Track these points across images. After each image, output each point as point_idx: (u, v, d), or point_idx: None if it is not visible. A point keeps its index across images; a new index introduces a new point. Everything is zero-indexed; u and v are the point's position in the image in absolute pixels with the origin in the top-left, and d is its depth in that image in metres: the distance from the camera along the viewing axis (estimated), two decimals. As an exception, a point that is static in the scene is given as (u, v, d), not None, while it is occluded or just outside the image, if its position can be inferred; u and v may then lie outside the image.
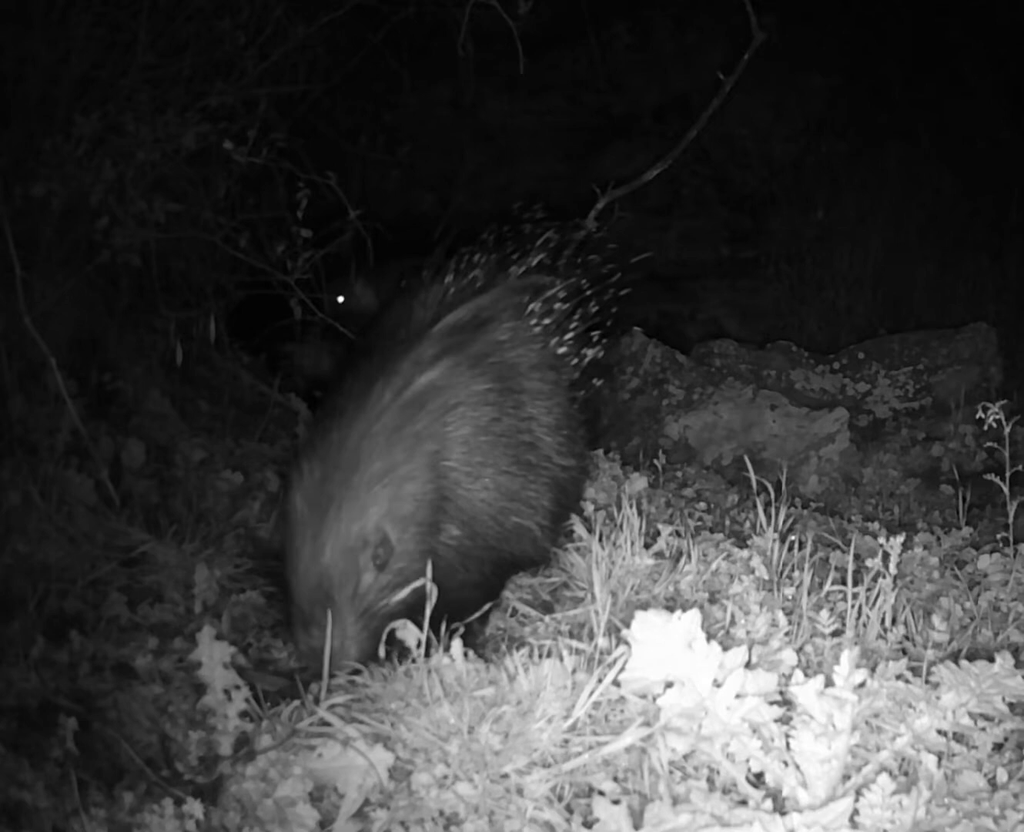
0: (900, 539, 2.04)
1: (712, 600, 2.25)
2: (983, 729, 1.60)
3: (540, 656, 1.77)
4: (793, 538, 2.43)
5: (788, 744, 1.45)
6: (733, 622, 2.08)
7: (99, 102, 2.87)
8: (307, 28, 3.35)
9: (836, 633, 2.04)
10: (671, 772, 1.49)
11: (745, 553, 2.49)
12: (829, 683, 1.48)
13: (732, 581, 2.33)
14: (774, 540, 2.42)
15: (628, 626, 1.53)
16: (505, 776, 1.49)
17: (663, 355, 4.60)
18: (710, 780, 1.48)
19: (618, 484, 3.19)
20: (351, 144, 4.58)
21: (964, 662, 1.65)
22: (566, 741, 1.57)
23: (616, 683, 1.58)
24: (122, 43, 2.96)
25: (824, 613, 2.04)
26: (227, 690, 1.59)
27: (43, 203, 2.72)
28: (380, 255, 3.56)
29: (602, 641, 1.82)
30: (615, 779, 1.51)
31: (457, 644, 1.75)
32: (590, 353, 2.57)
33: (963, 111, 5.62)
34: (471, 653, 1.80)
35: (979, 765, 1.55)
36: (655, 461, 3.49)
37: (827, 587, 2.28)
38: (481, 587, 2.12)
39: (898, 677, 1.70)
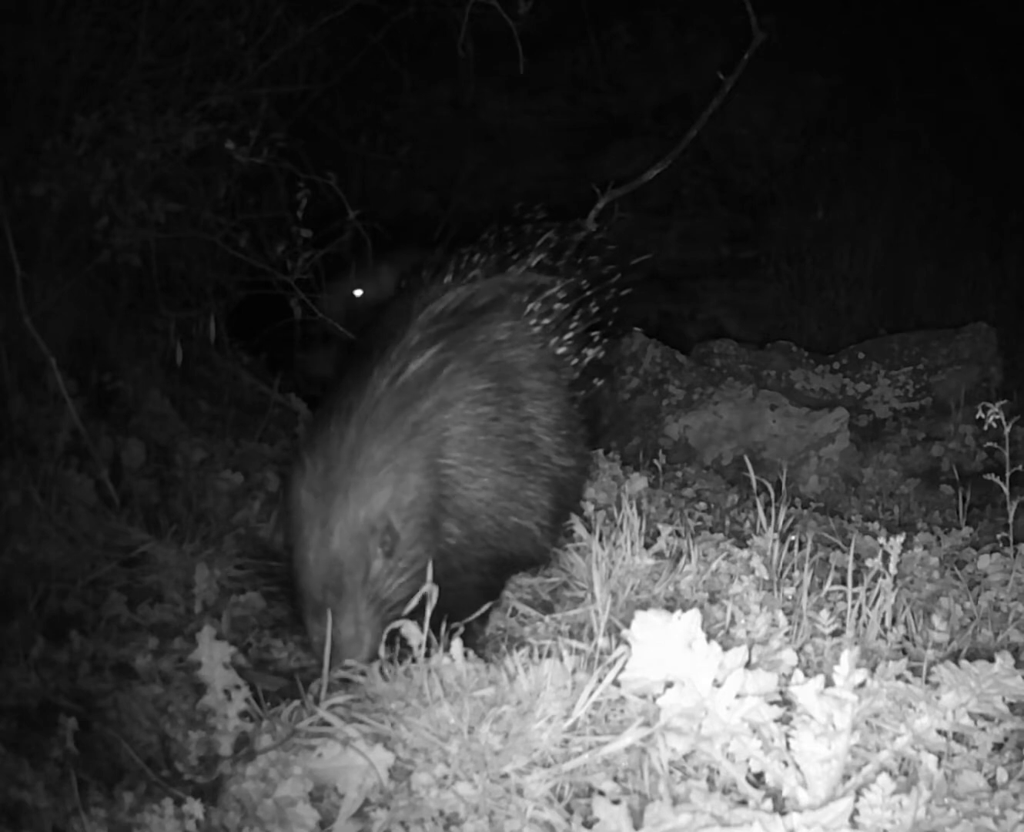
0: (900, 539, 2.04)
1: (712, 600, 2.25)
2: (983, 729, 1.60)
3: (540, 656, 1.77)
4: (793, 538, 2.43)
5: (788, 744, 1.45)
6: (733, 622, 2.08)
7: (99, 102, 2.87)
8: (307, 28, 3.35)
9: (836, 633, 2.04)
10: (671, 772, 1.49)
11: (745, 553, 2.49)
12: (829, 683, 1.48)
13: (732, 581, 2.33)
14: (774, 540, 2.42)
15: (628, 626, 1.53)
16: (505, 776, 1.49)
17: (663, 355, 4.60)
18: (710, 780, 1.48)
19: (618, 484, 3.19)
20: (351, 144, 4.58)
21: (964, 662, 1.65)
22: (566, 741, 1.57)
23: (616, 683, 1.58)
24: (122, 43, 2.97)
25: (824, 613, 2.04)
26: (227, 690, 1.59)
27: (43, 203, 2.72)
28: (380, 255, 3.56)
29: (602, 641, 1.82)
30: (615, 779, 1.51)
31: (457, 644, 1.75)
32: (590, 353, 2.58)
33: (963, 111, 5.62)
34: (471, 653, 1.80)
35: (979, 765, 1.55)
36: (655, 461, 3.49)
37: (827, 587, 2.28)
38: (481, 587, 2.12)
39: (898, 677, 1.70)
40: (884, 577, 2.04)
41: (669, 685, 1.50)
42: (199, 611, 2.12)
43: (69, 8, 2.82)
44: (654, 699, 1.51)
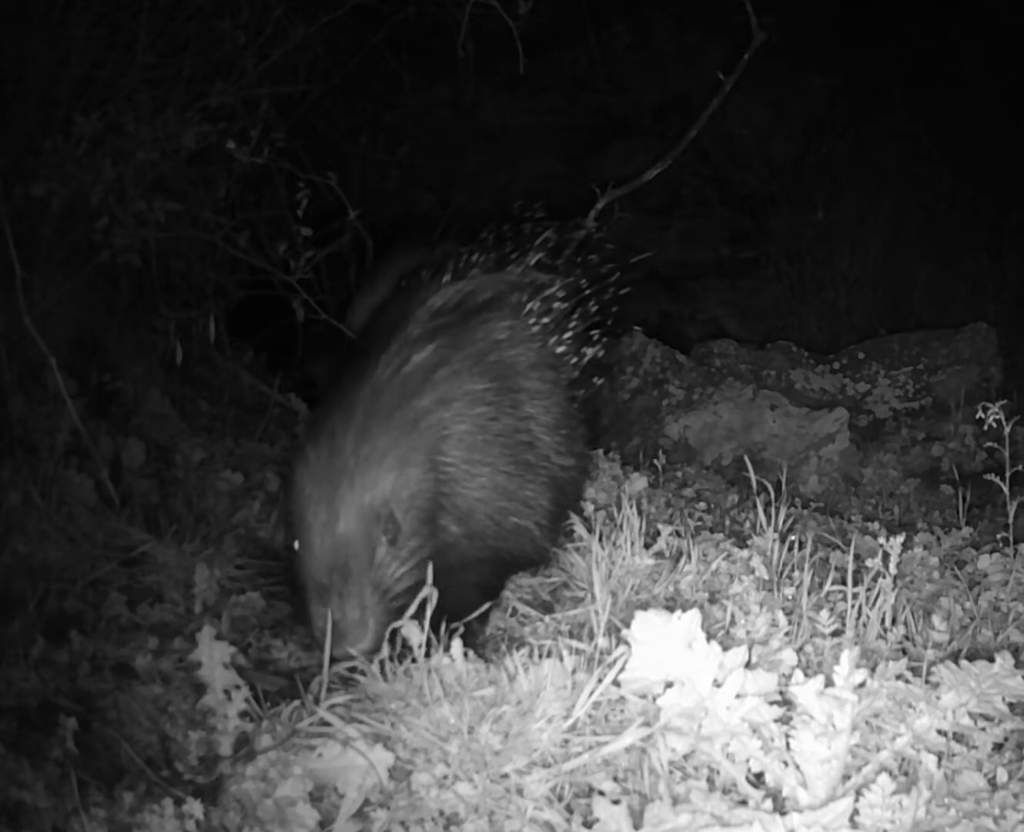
0: (900, 539, 2.04)
1: (712, 600, 2.25)
2: (983, 729, 1.60)
3: (540, 656, 1.77)
4: (793, 538, 2.43)
5: (788, 744, 1.45)
6: (733, 622, 2.08)
7: (99, 102, 2.87)
8: (307, 28, 3.34)
9: (836, 633, 2.04)
10: (671, 772, 1.49)
11: (745, 553, 2.49)
12: (829, 683, 1.48)
13: (732, 581, 2.33)
14: (774, 540, 2.42)
15: (628, 626, 1.53)
16: (505, 776, 1.49)
17: (663, 355, 4.60)
18: (710, 780, 1.48)
19: (618, 484, 3.19)
20: (351, 144, 4.58)
21: (964, 662, 1.65)
22: (566, 741, 1.57)
23: (616, 683, 1.58)
24: (122, 43, 2.96)
25: (824, 613, 2.04)
26: (227, 690, 1.59)
27: (43, 203, 2.72)
28: (380, 255, 3.56)
29: (602, 641, 1.82)
30: (615, 779, 1.51)
31: (457, 644, 1.75)
32: (590, 352, 2.57)
33: (963, 111, 5.62)
34: (471, 653, 1.80)
35: (979, 765, 1.55)
36: (655, 461, 3.49)
37: (827, 587, 2.28)
38: (480, 587, 2.12)
39: (898, 677, 1.70)
40: (884, 577, 2.04)
41: (669, 685, 1.50)
42: (199, 611, 2.12)
43: (69, 8, 2.82)
44: (654, 699, 1.51)
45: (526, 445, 2.24)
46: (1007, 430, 2.50)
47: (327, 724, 1.58)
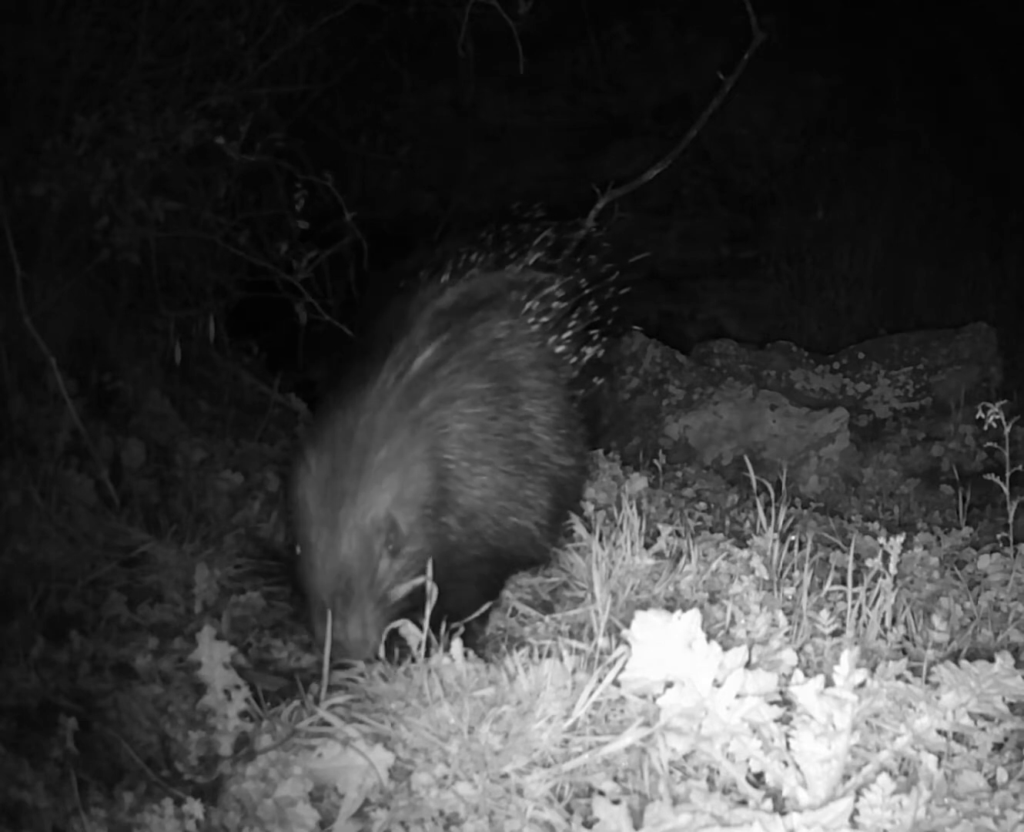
0: (900, 539, 2.04)
1: (712, 600, 2.25)
2: (983, 729, 1.60)
3: (540, 656, 1.77)
4: (793, 538, 2.43)
5: (788, 744, 1.45)
6: (733, 622, 2.08)
7: (99, 102, 2.87)
8: (307, 28, 3.34)
9: (836, 633, 2.03)
10: (671, 772, 1.49)
11: (745, 553, 2.49)
12: (829, 683, 1.48)
13: (732, 581, 2.33)
14: (774, 540, 2.42)
15: (628, 626, 1.53)
16: (505, 776, 1.49)
17: (663, 355, 4.61)
18: (710, 780, 1.48)
19: (618, 484, 3.19)
20: (351, 144, 4.57)
21: (964, 662, 1.65)
22: (566, 741, 1.57)
23: (616, 683, 1.58)
24: (122, 43, 2.96)
25: (824, 613, 2.04)
26: (227, 690, 1.59)
27: (43, 203, 2.72)
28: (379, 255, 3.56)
29: (602, 641, 1.82)
30: (615, 779, 1.51)
31: (457, 644, 1.75)
32: (589, 351, 2.57)
33: (963, 111, 5.62)
34: (471, 653, 1.80)
35: (979, 765, 1.55)
36: (655, 461, 3.49)
37: (827, 587, 2.28)
38: (480, 587, 2.12)
39: (898, 677, 1.70)
40: (884, 577, 2.04)
41: (669, 685, 1.50)
42: (199, 611, 2.12)
43: (69, 8, 2.82)
44: (654, 699, 1.51)
45: (526, 444, 2.24)
46: (1007, 430, 2.50)
47: (327, 724, 1.58)
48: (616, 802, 1.37)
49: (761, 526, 2.54)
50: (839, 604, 2.23)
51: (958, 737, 1.59)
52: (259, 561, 2.44)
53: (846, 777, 1.46)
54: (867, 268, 5.44)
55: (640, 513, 2.54)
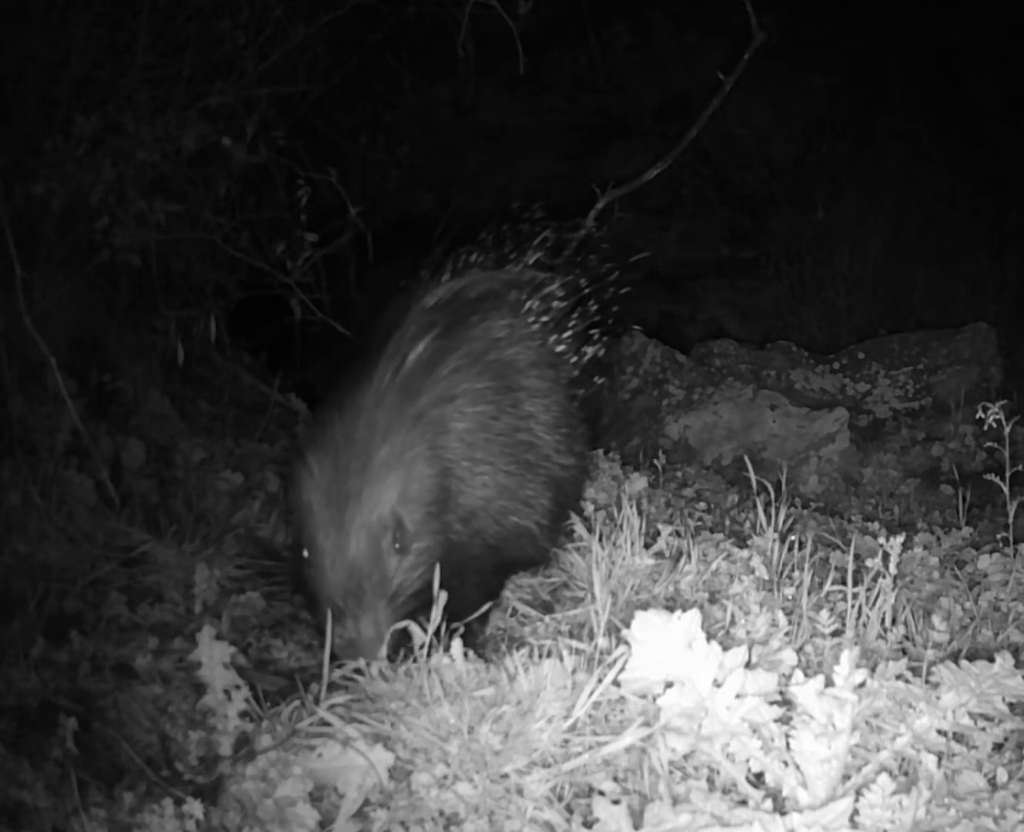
0: (900, 539, 2.04)
1: (712, 600, 2.25)
2: (983, 729, 1.60)
3: (540, 656, 1.77)
4: (793, 538, 2.43)
5: (788, 744, 1.45)
6: (733, 622, 2.08)
7: (99, 102, 2.87)
8: (307, 28, 3.35)
9: (836, 633, 2.03)
10: (671, 772, 1.49)
11: (745, 553, 2.49)
12: (829, 683, 1.48)
13: (732, 581, 2.33)
14: (774, 540, 2.42)
15: (628, 626, 1.53)
16: (505, 776, 1.49)
17: (663, 355, 4.61)
18: (710, 780, 1.48)
19: (618, 484, 3.19)
20: (351, 144, 4.58)
21: (964, 662, 1.65)
22: (566, 741, 1.57)
23: (616, 683, 1.58)
24: (122, 43, 2.97)
25: (824, 613, 2.04)
26: (227, 690, 1.59)
27: (43, 203, 2.72)
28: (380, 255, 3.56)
29: (602, 641, 1.82)
30: (615, 779, 1.50)
31: (457, 644, 1.75)
32: (590, 351, 2.57)
33: (963, 111, 5.62)
34: (471, 653, 1.80)
35: (979, 765, 1.55)
36: (655, 461, 3.49)
37: (827, 587, 2.28)
38: (480, 586, 2.11)
39: (898, 677, 1.70)
40: (884, 577, 2.04)
41: (669, 685, 1.50)
42: (199, 611, 2.12)
43: (69, 8, 2.82)
44: (654, 699, 1.51)
45: (526, 444, 2.23)
46: (1007, 430, 2.50)
47: (327, 724, 1.58)
48: (616, 802, 1.37)
49: (761, 526, 2.54)
50: (839, 604, 2.23)
51: (958, 737, 1.59)
52: (259, 561, 2.44)
53: (846, 777, 1.46)
54: (867, 268, 5.44)
55: (640, 513, 2.54)
